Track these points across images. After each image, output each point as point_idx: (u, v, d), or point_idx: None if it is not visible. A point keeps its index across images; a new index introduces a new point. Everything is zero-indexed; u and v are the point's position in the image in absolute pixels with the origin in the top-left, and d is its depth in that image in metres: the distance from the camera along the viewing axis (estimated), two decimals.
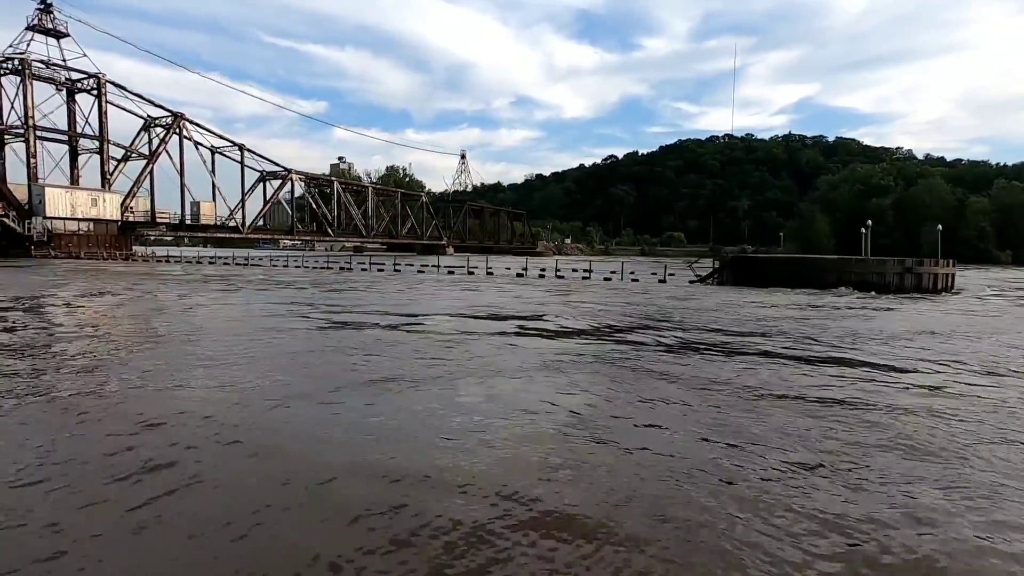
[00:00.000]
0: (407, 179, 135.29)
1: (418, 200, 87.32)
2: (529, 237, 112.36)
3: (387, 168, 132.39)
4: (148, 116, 57.42)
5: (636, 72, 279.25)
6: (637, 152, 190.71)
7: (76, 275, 27.23)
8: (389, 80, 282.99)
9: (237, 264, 43.23)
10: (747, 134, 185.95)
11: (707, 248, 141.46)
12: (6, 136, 48.58)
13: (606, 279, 30.48)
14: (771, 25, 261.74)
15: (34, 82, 47.62)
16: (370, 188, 78.91)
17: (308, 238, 71.91)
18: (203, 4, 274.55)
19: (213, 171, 61.02)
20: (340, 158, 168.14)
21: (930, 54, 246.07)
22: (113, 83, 51.69)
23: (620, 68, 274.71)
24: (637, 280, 29.74)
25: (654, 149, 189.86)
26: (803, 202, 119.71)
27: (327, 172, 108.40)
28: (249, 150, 62.71)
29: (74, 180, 53.24)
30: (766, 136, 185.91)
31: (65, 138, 52.61)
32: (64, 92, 52.08)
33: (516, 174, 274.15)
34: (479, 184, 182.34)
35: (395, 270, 38.38)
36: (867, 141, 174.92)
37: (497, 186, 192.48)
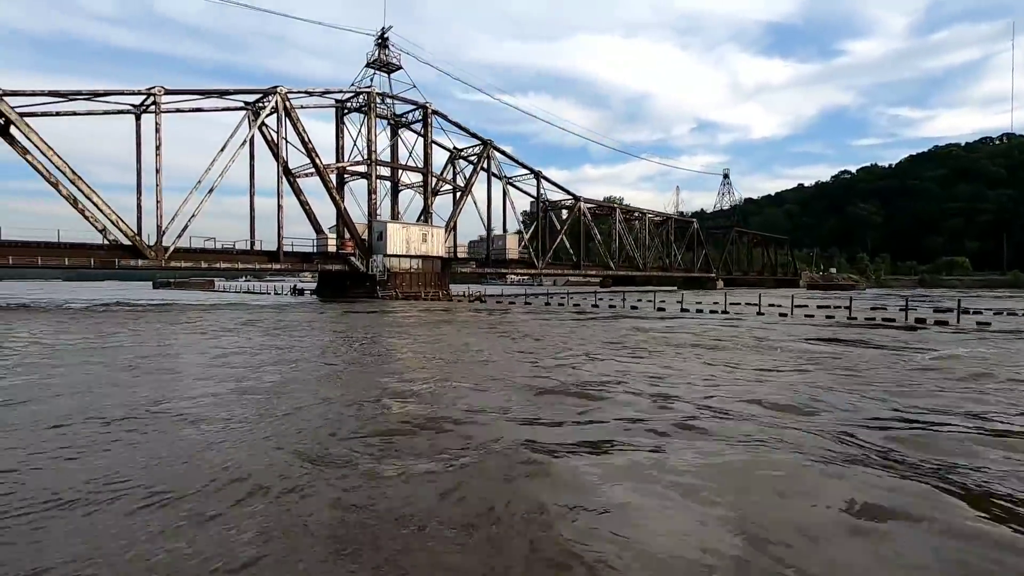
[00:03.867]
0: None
1: (689, 228, 77.03)
2: (792, 267, 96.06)
3: (604, 198, 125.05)
4: (454, 147, 54.84)
5: (840, 80, 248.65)
6: (875, 164, 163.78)
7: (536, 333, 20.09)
8: (569, 117, 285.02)
9: (617, 310, 35.51)
10: None
11: (1004, 275, 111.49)
12: (345, 174, 47.68)
13: None
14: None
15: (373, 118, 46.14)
16: (647, 216, 70.33)
17: (595, 273, 64.76)
18: (413, 70, 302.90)
19: (507, 201, 56.76)
20: (503, 201, 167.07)
21: None
22: (437, 113, 49.10)
23: (819, 78, 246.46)
24: None
25: (900, 159, 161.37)
26: None
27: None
28: (545, 178, 57.53)
29: (394, 215, 51.45)
30: None
31: (387, 172, 51.18)
32: (389, 126, 50.90)
33: (699, 202, 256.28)
34: (694, 211, 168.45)
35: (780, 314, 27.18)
36: None
37: (702, 213, 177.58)
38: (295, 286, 54.36)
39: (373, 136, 45.33)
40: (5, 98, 31.45)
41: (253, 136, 41.15)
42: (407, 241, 45.32)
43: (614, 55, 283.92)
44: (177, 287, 68.38)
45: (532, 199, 62.21)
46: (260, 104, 41.29)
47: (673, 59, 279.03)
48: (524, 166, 56.20)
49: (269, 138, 42.37)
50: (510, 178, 57.13)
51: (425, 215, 49.44)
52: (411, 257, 45.73)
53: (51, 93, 33.66)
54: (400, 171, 51.69)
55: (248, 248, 41.50)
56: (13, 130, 32.37)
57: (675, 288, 79.55)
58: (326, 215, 46.05)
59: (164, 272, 64.12)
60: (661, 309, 31.10)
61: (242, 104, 41.27)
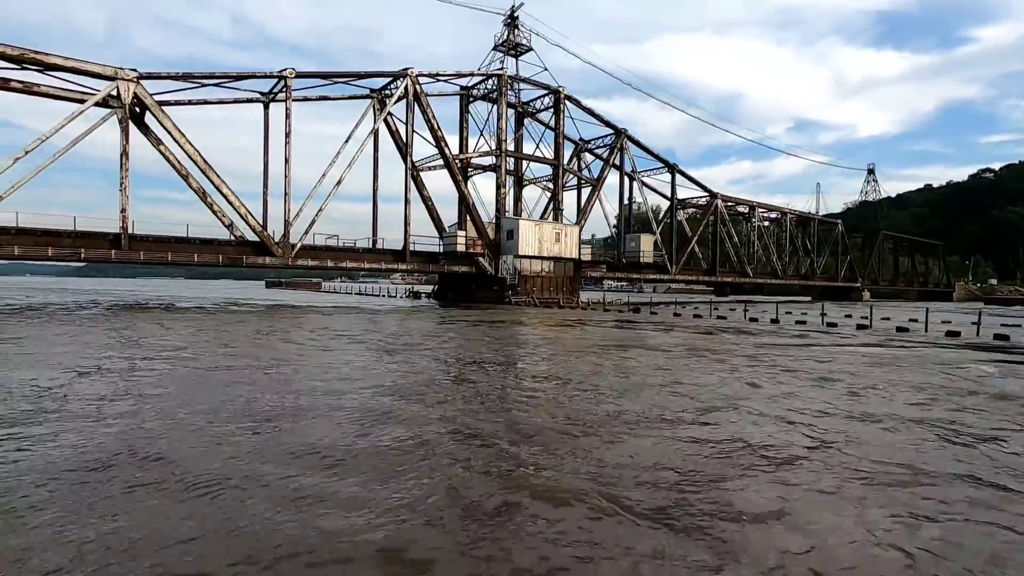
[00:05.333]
0: None
1: (832, 231, 67.62)
2: (943, 277, 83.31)
3: None
4: (580, 138, 49.72)
5: (963, 71, 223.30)
6: None
7: None
8: (654, 121, 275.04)
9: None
10: None
11: None
12: (470, 167, 43.59)
13: None
14: None
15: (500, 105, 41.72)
16: (788, 216, 61.99)
17: (731, 279, 57.28)
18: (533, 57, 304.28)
19: (632, 197, 50.91)
20: (630, 198, 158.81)
21: None
22: (570, 98, 44.05)
23: (938, 70, 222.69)
24: None
25: None
26: None
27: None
28: (681, 172, 51.06)
29: (517, 212, 46.87)
30: None
31: (512, 165, 46.66)
32: (515, 114, 46.44)
33: (799, 205, 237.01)
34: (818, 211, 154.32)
35: None
36: None
37: (809, 218, 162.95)
38: (412, 288, 50.93)
39: (504, 123, 40.89)
40: (142, 82, 29.45)
41: (378, 128, 37.90)
42: (539, 240, 40.41)
43: (703, 55, 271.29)
44: (287, 287, 67.82)
45: (637, 195, 55.97)
46: (386, 92, 37.99)
47: (767, 56, 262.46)
48: (659, 159, 50.05)
49: (394, 128, 39.01)
50: (639, 172, 51.16)
51: (555, 212, 44.45)
52: (543, 259, 40.76)
53: (184, 76, 31.53)
54: (524, 165, 47.11)
55: (371, 247, 38.18)
56: (148, 118, 30.56)
57: (810, 299, 70.13)
58: (444, 216, 42.12)
59: (277, 272, 62.06)
60: (865, 326, 24.07)
61: (368, 92, 38.10)
